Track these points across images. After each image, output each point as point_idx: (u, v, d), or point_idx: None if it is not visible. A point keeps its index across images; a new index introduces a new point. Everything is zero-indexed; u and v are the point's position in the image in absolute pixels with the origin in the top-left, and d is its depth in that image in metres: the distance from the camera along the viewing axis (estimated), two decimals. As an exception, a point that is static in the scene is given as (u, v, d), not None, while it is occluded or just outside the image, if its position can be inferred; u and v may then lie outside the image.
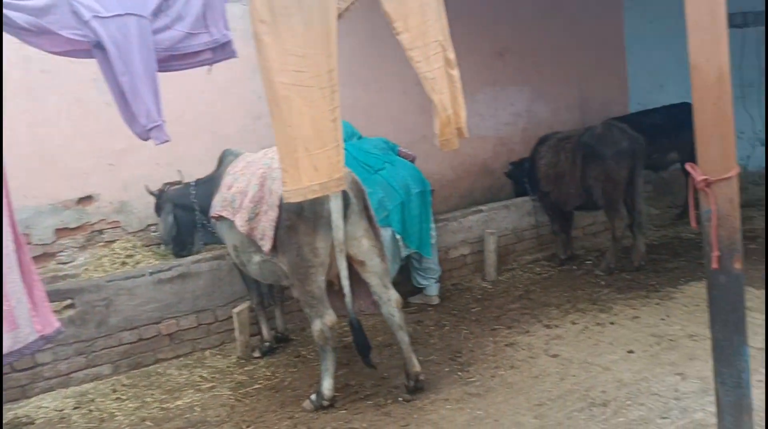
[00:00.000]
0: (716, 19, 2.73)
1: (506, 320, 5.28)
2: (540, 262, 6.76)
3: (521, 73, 7.74)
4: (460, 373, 4.39)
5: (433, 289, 5.83)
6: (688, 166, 2.93)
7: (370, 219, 4.10)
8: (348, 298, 3.89)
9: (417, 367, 4.13)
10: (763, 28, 9.31)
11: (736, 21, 9.17)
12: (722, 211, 2.80)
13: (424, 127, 7.06)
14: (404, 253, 5.56)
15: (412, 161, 5.87)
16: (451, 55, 3.14)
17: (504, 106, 7.66)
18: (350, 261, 4.04)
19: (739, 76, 9.12)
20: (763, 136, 9.68)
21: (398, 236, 5.43)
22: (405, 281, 5.82)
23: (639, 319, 4.95)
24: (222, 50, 3.47)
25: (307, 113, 2.85)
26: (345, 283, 3.88)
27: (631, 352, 4.41)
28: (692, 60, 2.78)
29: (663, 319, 4.90)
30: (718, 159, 2.82)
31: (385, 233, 5.44)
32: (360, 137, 5.77)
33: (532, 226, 6.88)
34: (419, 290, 5.88)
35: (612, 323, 4.94)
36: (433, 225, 5.84)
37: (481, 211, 6.59)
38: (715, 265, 2.88)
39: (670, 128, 7.37)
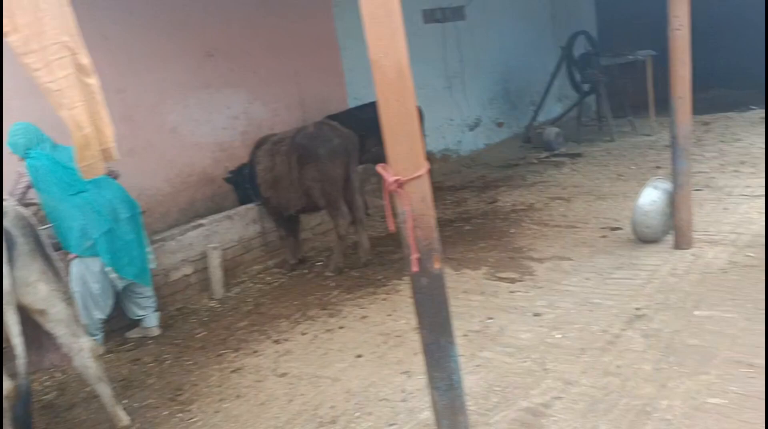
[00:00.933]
0: (391, 14, 2.56)
1: (234, 342, 4.89)
2: (271, 270, 6.47)
3: (235, 75, 7.35)
4: (180, 415, 3.91)
5: (152, 320, 5.23)
6: (379, 168, 2.78)
7: (46, 258, 3.44)
8: (21, 360, 3.19)
9: (124, 420, 3.58)
10: (461, 23, 9.97)
11: (437, 16, 9.68)
12: (417, 211, 2.69)
13: (132, 138, 6.46)
14: (120, 285, 4.91)
15: (116, 179, 5.20)
16: (85, 60, 2.60)
17: (220, 109, 7.22)
18: (26, 312, 3.35)
19: (443, 67, 9.66)
20: (470, 121, 10.37)
21: (108, 268, 4.77)
22: (120, 315, 5.17)
23: (367, 319, 4.87)
24: None
25: None
26: (16, 341, 3.18)
27: (359, 356, 4.28)
28: (372, 56, 2.60)
29: (390, 315, 4.87)
30: (407, 158, 2.70)
31: (94, 265, 4.78)
32: (54, 146, 4.86)
33: (259, 233, 6.57)
34: (137, 322, 5.25)
35: (341, 327, 4.80)
36: (149, 248, 5.24)
37: (201, 225, 6.11)
38: (415, 268, 2.78)
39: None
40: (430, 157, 9.68)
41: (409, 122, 2.62)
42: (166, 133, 6.69)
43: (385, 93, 2.57)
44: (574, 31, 10.48)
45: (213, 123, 7.16)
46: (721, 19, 11.29)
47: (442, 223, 6.99)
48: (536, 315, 4.46)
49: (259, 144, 6.17)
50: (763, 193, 6.05)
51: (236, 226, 6.40)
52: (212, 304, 5.83)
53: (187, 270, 5.96)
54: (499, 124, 11.13)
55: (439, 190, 8.65)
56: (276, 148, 5.92)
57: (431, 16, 9.71)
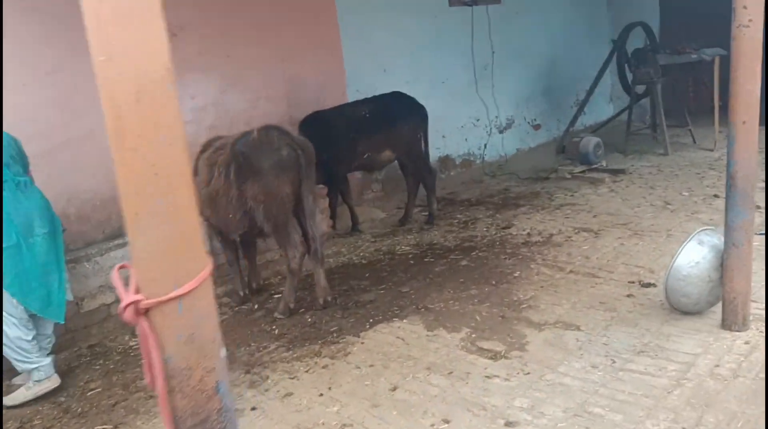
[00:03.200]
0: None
1: (121, 411, 3.77)
2: (220, 299, 5.32)
3: (204, 58, 6.18)
4: None
5: (45, 370, 4.07)
6: (114, 279, 1.52)
7: None
8: None
9: None
10: (496, 6, 8.60)
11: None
12: (178, 360, 1.46)
13: (65, 128, 5.39)
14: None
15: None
16: None
17: (182, 98, 5.97)
18: None
19: (470, 58, 8.31)
20: (500, 122, 9.00)
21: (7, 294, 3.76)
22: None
23: (291, 399, 3.66)
24: None
25: None
26: None
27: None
28: (95, 60, 1.36)
29: (321, 395, 3.66)
30: (162, 256, 1.47)
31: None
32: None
33: (207, 252, 5.41)
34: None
35: (253, 409, 3.61)
36: (67, 275, 4.18)
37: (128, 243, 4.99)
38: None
39: (381, 122, 6.25)
40: (447, 162, 8.37)
41: (171, 186, 1.37)
42: (111, 125, 5.58)
43: (117, 129, 1.33)
44: (630, 21, 8.90)
45: (173, 115, 6.01)
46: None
47: (438, 253, 5.72)
48: (509, 425, 3.17)
49: (203, 149, 4.99)
50: None
51: (178, 245, 5.26)
52: (133, 343, 4.73)
53: (107, 298, 4.89)
54: (536, 127, 9.68)
55: (450, 204, 7.35)
56: (215, 157, 4.74)
57: (463, -1, 8.32)
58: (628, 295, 4.45)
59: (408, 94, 6.85)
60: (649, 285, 4.57)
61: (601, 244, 5.51)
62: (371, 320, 4.56)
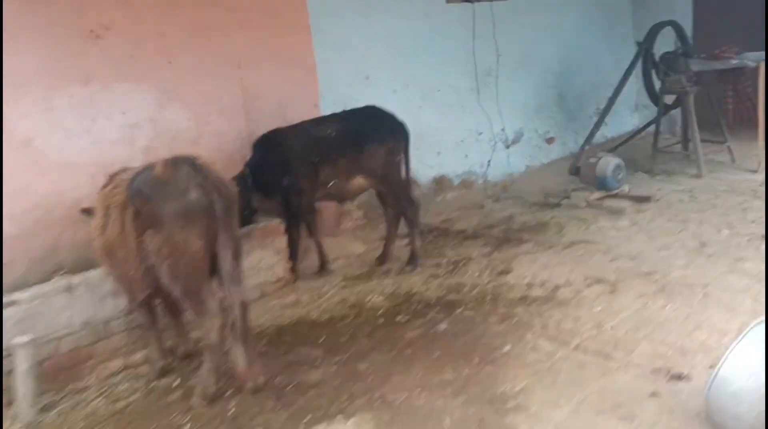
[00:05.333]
0: None
1: None
2: (138, 367, 4.26)
3: (139, 63, 5.12)
4: None
5: None
6: None
7: None
8: None
9: None
10: (501, 4, 7.46)
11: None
12: None
13: None
14: None
15: None
16: None
17: (109, 113, 5.01)
18: None
19: (471, 63, 7.18)
20: (506, 135, 7.85)
21: None
22: None
23: None
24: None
25: None
26: None
27: None
28: None
29: None
30: None
31: None
32: None
33: (123, 311, 4.36)
34: None
35: None
36: None
37: (14, 302, 3.95)
38: None
39: (350, 143, 5.15)
40: (443, 182, 7.24)
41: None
42: (15, 147, 4.55)
43: None
44: (659, 20, 7.67)
45: (96, 133, 4.97)
46: None
47: (414, 310, 4.67)
48: None
49: (106, 184, 3.91)
50: None
51: (84, 300, 4.23)
52: (13, 432, 3.69)
53: (-19, 374, 3.82)
54: (549, 141, 8.48)
55: (442, 236, 6.23)
56: (110, 196, 3.67)
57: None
58: (652, 394, 3.29)
59: (394, 105, 5.76)
60: (680, 377, 3.40)
61: (619, 304, 4.34)
62: (309, 416, 3.46)
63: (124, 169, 3.96)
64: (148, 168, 3.58)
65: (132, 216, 3.47)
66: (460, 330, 4.25)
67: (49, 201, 4.72)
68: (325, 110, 6.07)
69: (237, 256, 3.64)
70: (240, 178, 4.99)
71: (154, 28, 5.15)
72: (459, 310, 4.53)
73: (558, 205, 6.68)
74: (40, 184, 4.67)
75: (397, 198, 5.39)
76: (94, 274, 4.25)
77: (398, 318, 4.55)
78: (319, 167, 5.11)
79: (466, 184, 7.49)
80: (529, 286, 4.82)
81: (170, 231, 3.41)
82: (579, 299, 4.49)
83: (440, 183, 7.23)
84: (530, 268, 5.15)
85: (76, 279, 4.22)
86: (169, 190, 3.44)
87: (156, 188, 3.44)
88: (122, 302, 4.31)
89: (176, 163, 3.53)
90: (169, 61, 5.26)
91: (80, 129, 4.88)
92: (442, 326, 4.32)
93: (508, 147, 7.92)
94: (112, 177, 3.93)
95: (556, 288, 4.72)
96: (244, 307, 3.64)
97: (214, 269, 3.60)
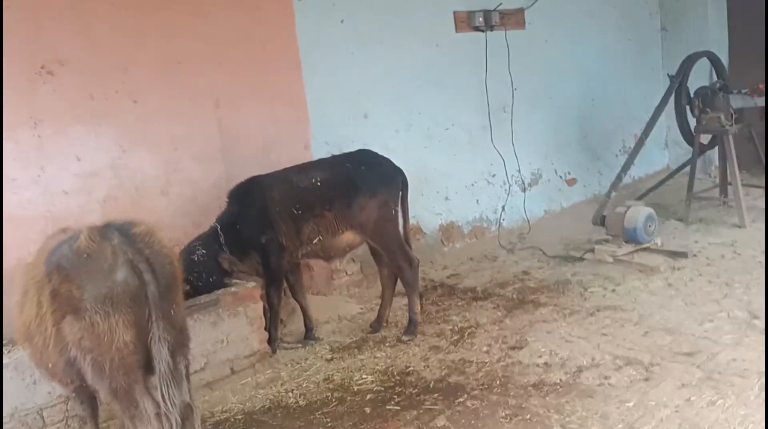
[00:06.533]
0: None
1: None
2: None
3: (98, 103, 4.53)
4: None
5: None
6: None
7: None
8: None
9: None
10: (517, 32, 6.79)
11: (476, 22, 6.60)
12: None
13: None
14: None
15: None
16: None
17: (62, 160, 4.40)
18: None
19: (482, 98, 6.50)
20: (522, 177, 7.13)
21: None
22: None
23: None
24: None
25: None
26: None
27: None
28: None
29: None
30: None
31: None
32: None
33: (60, 398, 3.67)
34: None
35: None
36: None
37: None
38: None
39: (337, 194, 4.46)
40: (452, 231, 6.51)
41: None
42: (-52, 199, 3.94)
43: None
44: (692, 51, 6.93)
45: (46, 183, 4.34)
46: None
47: (408, 395, 3.99)
48: None
49: (41, 250, 3.23)
50: None
51: (8, 387, 3.53)
52: None
53: None
54: (570, 182, 7.73)
55: (448, 295, 5.52)
56: (32, 267, 3.00)
57: (469, 22, 6.51)
58: None
59: (396, 145, 5.14)
60: None
61: (656, 397, 3.55)
62: None
63: (63, 230, 3.27)
64: (73, 237, 2.89)
65: (49, 297, 2.78)
66: (461, 428, 3.48)
67: (-12, 261, 4.08)
68: (318, 153, 5.44)
69: (180, 348, 2.93)
70: (207, 237, 4.33)
71: (116, 63, 4.56)
72: (462, 399, 3.77)
73: (581, 259, 5.90)
74: (-23, 241, 4.04)
75: (393, 257, 4.68)
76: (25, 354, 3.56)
77: (389, 406, 3.81)
78: (301, 221, 4.42)
79: (477, 232, 6.75)
80: (547, 367, 4.04)
81: (92, 319, 2.71)
82: (606, 388, 3.70)
83: (448, 231, 6.50)
84: (548, 341, 4.38)
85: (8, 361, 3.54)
86: (92, 266, 2.75)
87: (77, 264, 2.75)
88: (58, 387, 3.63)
89: (104, 231, 2.83)
90: (134, 100, 4.66)
91: (26, 178, 4.26)
92: (440, 421, 3.56)
93: (524, 190, 7.17)
94: (47, 239, 3.25)
95: (579, 370, 3.94)
96: (188, 411, 2.92)
97: (151, 364, 2.89)
